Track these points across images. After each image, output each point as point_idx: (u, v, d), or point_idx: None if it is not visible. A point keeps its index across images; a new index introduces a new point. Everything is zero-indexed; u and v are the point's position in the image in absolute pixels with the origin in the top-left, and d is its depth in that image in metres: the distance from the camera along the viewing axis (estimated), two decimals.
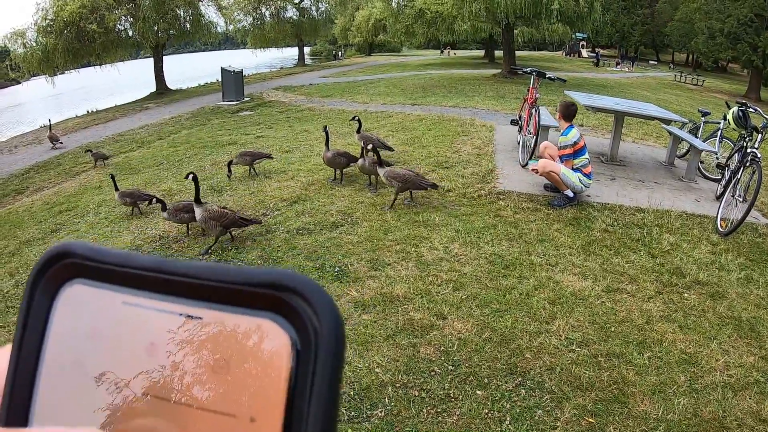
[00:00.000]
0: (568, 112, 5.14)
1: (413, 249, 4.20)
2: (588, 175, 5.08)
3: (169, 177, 7.06)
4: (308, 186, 5.77)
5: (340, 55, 41.42)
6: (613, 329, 3.15)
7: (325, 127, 5.86)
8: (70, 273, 0.28)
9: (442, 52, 43.38)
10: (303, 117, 11.32)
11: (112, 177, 5.89)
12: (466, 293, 3.53)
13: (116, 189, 5.66)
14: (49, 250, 0.28)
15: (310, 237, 4.51)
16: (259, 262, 4.14)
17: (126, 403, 0.26)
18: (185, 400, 0.26)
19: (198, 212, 4.22)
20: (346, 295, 3.56)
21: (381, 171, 5.05)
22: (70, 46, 18.14)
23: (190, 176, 4.47)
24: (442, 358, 2.88)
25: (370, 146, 5.37)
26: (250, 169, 6.45)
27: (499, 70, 18.98)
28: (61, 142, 11.47)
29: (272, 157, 6.48)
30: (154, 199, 5.00)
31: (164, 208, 4.74)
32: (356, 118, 6.48)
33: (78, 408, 0.27)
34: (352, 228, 4.66)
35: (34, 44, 18.30)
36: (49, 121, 12.52)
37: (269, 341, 0.25)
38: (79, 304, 0.28)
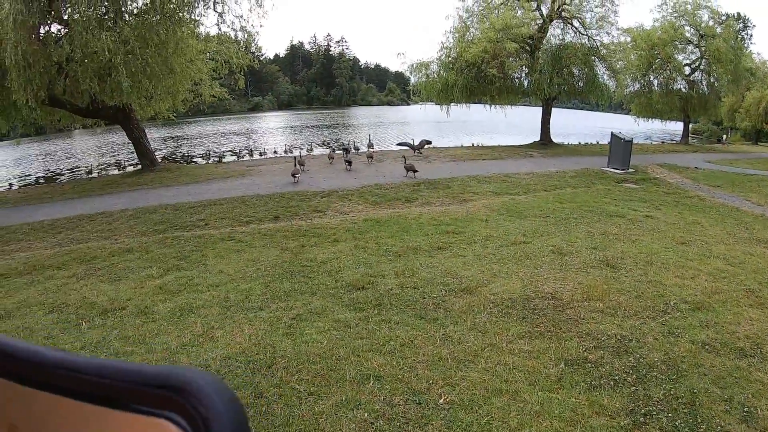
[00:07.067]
0: None
1: None
2: None
3: (556, 233, 7.81)
4: (711, 294, 5.55)
5: (724, 138, 35.56)
6: None
7: None
8: None
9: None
10: (692, 205, 10.67)
11: None
12: None
13: None
14: None
15: (717, 358, 4.37)
16: (662, 368, 4.27)
17: None
18: None
19: None
20: None
21: None
22: (469, 83, 21.79)
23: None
24: None
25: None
26: None
27: None
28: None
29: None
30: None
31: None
32: None
33: None
34: (761, 363, 4.34)
35: (436, 76, 22.75)
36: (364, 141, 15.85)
37: None
38: None
